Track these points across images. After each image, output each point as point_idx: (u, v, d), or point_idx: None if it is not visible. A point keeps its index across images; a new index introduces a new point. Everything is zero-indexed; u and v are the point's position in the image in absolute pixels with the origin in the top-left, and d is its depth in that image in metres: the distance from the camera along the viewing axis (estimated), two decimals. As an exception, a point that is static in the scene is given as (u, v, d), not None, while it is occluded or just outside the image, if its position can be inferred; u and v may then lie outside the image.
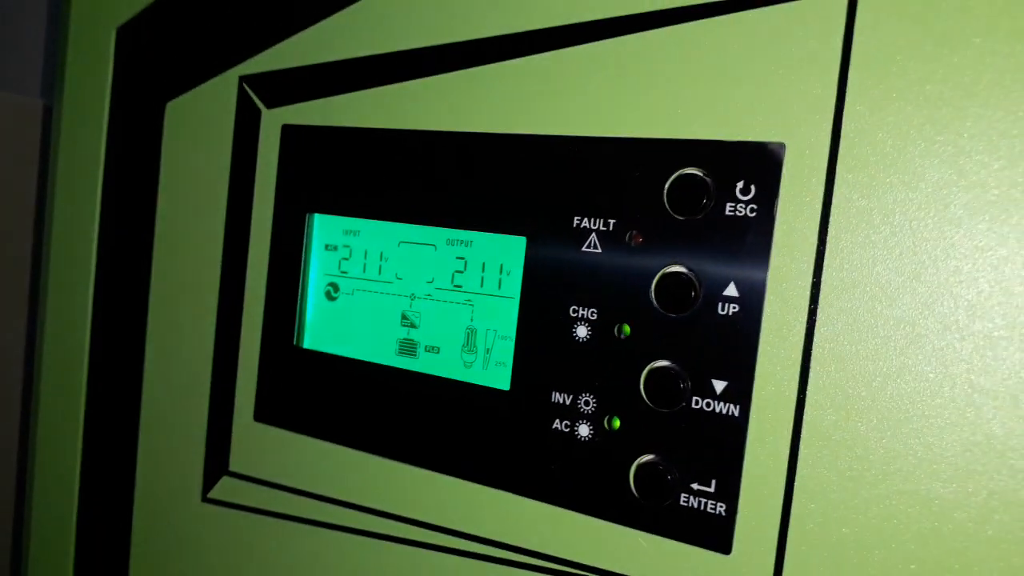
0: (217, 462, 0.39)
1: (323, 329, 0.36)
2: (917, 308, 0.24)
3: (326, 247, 0.36)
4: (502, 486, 0.31)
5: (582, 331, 0.29)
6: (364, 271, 0.35)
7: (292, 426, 0.37)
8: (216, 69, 0.39)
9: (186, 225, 0.40)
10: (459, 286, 0.33)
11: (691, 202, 0.27)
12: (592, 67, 0.29)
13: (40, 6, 0.77)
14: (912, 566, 0.24)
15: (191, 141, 0.40)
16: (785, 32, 0.26)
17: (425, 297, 0.34)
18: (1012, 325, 0.23)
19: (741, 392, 0.26)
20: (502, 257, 0.31)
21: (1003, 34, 0.23)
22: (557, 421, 0.30)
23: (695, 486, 0.27)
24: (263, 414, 0.38)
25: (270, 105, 0.37)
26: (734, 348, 0.27)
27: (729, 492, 0.27)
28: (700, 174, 0.27)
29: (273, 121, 0.37)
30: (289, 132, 0.36)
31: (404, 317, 0.34)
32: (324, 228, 0.36)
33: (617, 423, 0.29)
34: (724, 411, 0.27)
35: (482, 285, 0.32)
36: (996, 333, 0.23)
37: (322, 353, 0.36)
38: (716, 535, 0.27)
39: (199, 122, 0.40)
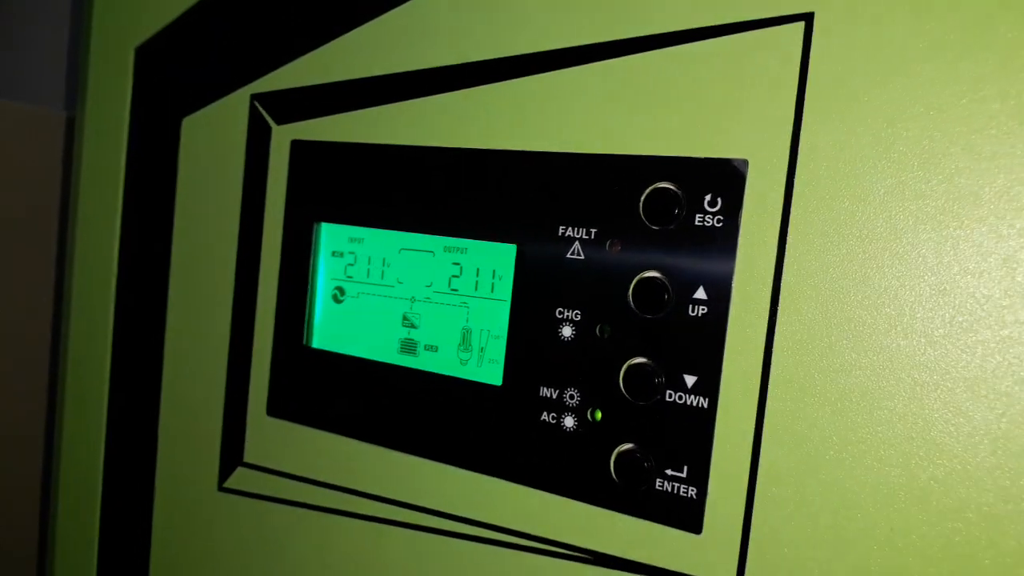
0: (232, 454, 0.42)
1: (330, 330, 0.39)
2: (866, 309, 0.27)
3: (333, 254, 0.39)
4: (495, 473, 0.34)
5: (567, 331, 0.32)
6: (368, 276, 0.38)
7: (302, 420, 0.39)
8: (229, 87, 0.42)
9: (202, 232, 0.43)
10: (455, 290, 0.35)
11: (664, 213, 0.30)
12: (576, 89, 0.32)
13: (63, 23, 0.80)
14: (865, 541, 0.27)
15: (206, 154, 0.43)
16: (748, 59, 0.28)
17: (424, 300, 0.36)
18: (950, 323, 0.26)
19: (710, 386, 0.29)
20: (494, 263, 0.34)
21: (942, 62, 0.26)
22: (545, 413, 0.33)
23: (669, 472, 0.30)
24: (275, 409, 0.40)
25: (280, 122, 0.40)
26: (703, 346, 0.29)
27: (699, 477, 0.29)
28: (672, 188, 0.30)
29: (283, 136, 0.40)
30: (298, 147, 0.39)
31: (405, 318, 0.37)
32: (331, 236, 0.39)
33: (599, 415, 0.31)
34: (695, 403, 0.29)
35: (476, 289, 0.35)
36: (936, 332, 0.26)
37: (329, 352, 0.39)
38: (688, 516, 0.30)
39: (214, 137, 0.42)
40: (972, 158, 0.25)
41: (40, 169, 0.65)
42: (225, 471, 0.42)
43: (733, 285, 0.29)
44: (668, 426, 0.30)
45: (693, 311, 0.29)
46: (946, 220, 0.26)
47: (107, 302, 0.47)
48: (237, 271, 0.41)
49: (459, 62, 0.34)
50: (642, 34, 0.30)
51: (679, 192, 0.30)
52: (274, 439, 0.41)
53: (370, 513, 0.37)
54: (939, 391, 0.26)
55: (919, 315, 0.26)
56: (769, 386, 0.28)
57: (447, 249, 0.35)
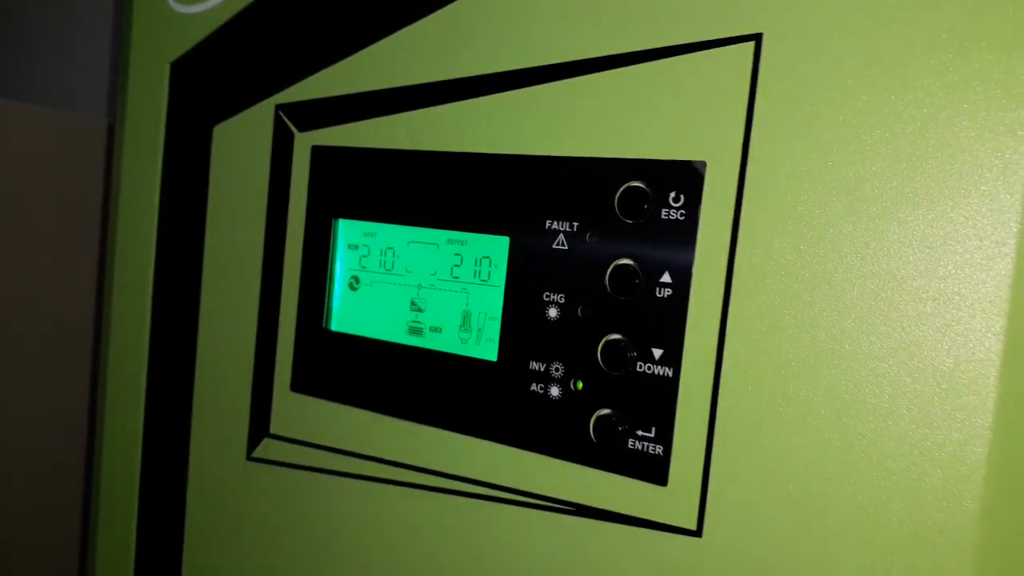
0: (259, 426, 0.47)
1: (347, 314, 0.44)
2: (806, 290, 0.31)
3: (349, 246, 0.44)
4: (491, 438, 0.38)
5: (553, 312, 0.37)
6: (380, 266, 0.43)
7: (322, 395, 0.44)
8: (256, 98, 0.47)
9: (232, 228, 0.48)
10: (456, 277, 0.40)
11: (636, 208, 0.34)
12: (560, 100, 0.36)
13: (105, 35, 0.86)
14: (804, 488, 0.31)
15: (235, 158, 0.48)
16: (706, 74, 0.33)
17: (429, 287, 0.41)
18: (874, 300, 0.30)
19: (674, 357, 0.34)
20: (490, 253, 0.39)
21: (872, 76, 0.30)
22: (534, 384, 0.37)
23: (639, 432, 0.34)
24: (298, 385, 0.45)
25: (302, 129, 0.45)
26: (668, 323, 0.34)
27: (665, 437, 0.34)
28: (642, 186, 0.34)
29: (304, 142, 0.45)
30: (318, 152, 0.44)
31: (413, 303, 0.42)
32: (347, 231, 0.44)
33: (580, 385, 0.36)
34: (661, 373, 0.34)
35: (475, 276, 0.39)
36: (863, 309, 0.30)
37: (346, 334, 0.44)
38: (656, 471, 0.34)
39: (242, 143, 0.47)
40: (896, 158, 0.29)
41: (83, 170, 0.70)
42: (253, 442, 0.47)
43: (693, 270, 0.33)
44: (639, 393, 0.34)
45: (660, 293, 0.34)
46: (873, 212, 0.30)
47: (146, 291, 0.52)
48: (264, 262, 0.46)
49: (457, 77, 0.39)
50: (616, 52, 0.35)
51: (648, 190, 0.34)
52: (297, 412, 0.45)
53: (383, 476, 0.42)
54: (866, 359, 0.30)
55: (849, 295, 0.30)
56: (723, 357, 0.33)
57: (449, 241, 0.40)
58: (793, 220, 0.31)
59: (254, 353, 0.47)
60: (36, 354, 0.70)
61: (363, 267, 0.43)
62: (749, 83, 0.32)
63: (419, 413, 0.41)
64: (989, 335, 0.28)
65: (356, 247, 0.43)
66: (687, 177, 0.33)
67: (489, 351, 0.39)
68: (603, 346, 0.35)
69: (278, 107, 0.46)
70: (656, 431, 0.34)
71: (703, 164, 0.33)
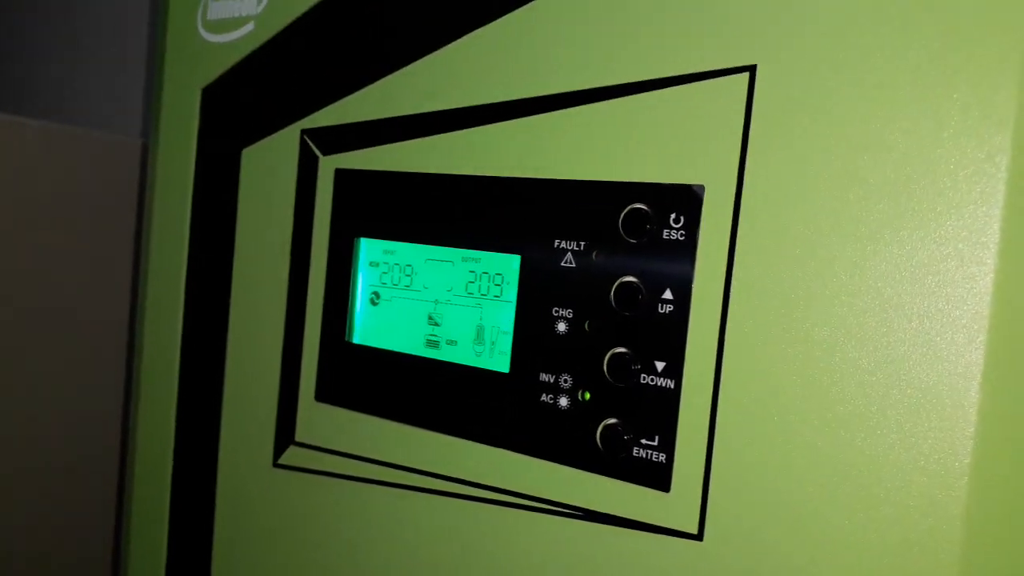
0: (285, 434, 0.49)
1: (368, 328, 0.46)
2: (798, 307, 0.33)
3: (370, 264, 0.46)
4: (504, 446, 0.41)
5: (561, 326, 0.39)
6: (399, 282, 0.45)
7: (345, 404, 0.47)
8: (282, 124, 0.49)
9: (260, 246, 0.51)
10: (471, 293, 0.42)
11: (639, 229, 0.36)
12: (568, 127, 0.39)
13: (140, 60, 0.90)
14: (798, 491, 0.33)
15: (263, 180, 0.51)
16: (705, 103, 0.35)
17: (446, 302, 0.43)
18: (863, 315, 0.32)
19: (675, 370, 0.36)
20: (503, 270, 0.41)
21: (859, 105, 0.32)
22: (544, 395, 0.39)
23: (644, 441, 0.36)
24: (322, 395, 0.48)
25: (326, 153, 0.47)
26: (670, 337, 0.36)
27: (668, 445, 0.36)
28: (645, 208, 0.36)
29: (328, 165, 0.47)
30: (341, 174, 0.47)
31: (430, 318, 0.44)
32: (368, 249, 0.46)
33: (587, 395, 0.38)
34: (664, 385, 0.36)
35: (488, 292, 0.42)
36: (848, 322, 0.32)
37: (367, 347, 0.46)
38: (659, 478, 0.36)
39: (269, 165, 0.50)
40: (882, 182, 0.31)
41: (119, 188, 0.74)
42: (279, 449, 0.50)
43: (693, 287, 0.35)
44: (643, 404, 0.36)
45: (662, 309, 0.36)
46: (861, 233, 0.32)
47: (177, 305, 0.55)
48: (290, 278, 0.49)
49: (472, 105, 0.41)
50: (621, 82, 0.37)
51: (650, 211, 0.36)
52: (321, 421, 0.48)
53: (401, 481, 0.44)
54: (855, 372, 0.32)
55: (839, 311, 0.32)
56: (722, 369, 0.34)
57: (464, 259, 0.42)
58: (786, 240, 0.33)
59: (280, 364, 0.49)
60: (73, 364, 0.74)
61: (383, 283, 0.46)
62: (744, 111, 0.34)
63: (435, 422, 0.43)
64: (971, 349, 0.30)
65: (377, 264, 0.46)
66: (687, 200, 0.35)
67: (502, 363, 0.41)
68: (609, 359, 0.37)
69: (303, 132, 0.48)
70: (659, 439, 0.36)
71: (702, 187, 0.35)
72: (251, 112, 0.51)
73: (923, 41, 0.31)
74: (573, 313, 0.38)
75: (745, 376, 0.34)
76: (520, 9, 0.40)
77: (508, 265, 0.41)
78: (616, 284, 0.37)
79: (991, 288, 0.30)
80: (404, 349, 0.44)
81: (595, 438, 0.38)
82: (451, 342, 0.43)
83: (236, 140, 0.52)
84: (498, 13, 0.41)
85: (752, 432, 0.34)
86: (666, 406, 0.36)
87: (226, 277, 0.52)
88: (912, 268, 0.31)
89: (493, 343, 0.41)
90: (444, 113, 0.43)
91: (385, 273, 0.45)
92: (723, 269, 0.34)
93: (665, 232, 0.36)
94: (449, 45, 0.42)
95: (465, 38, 0.42)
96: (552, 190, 0.39)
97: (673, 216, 0.36)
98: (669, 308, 0.36)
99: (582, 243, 0.38)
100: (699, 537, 0.35)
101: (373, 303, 0.46)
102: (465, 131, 0.42)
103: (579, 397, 0.38)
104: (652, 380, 0.36)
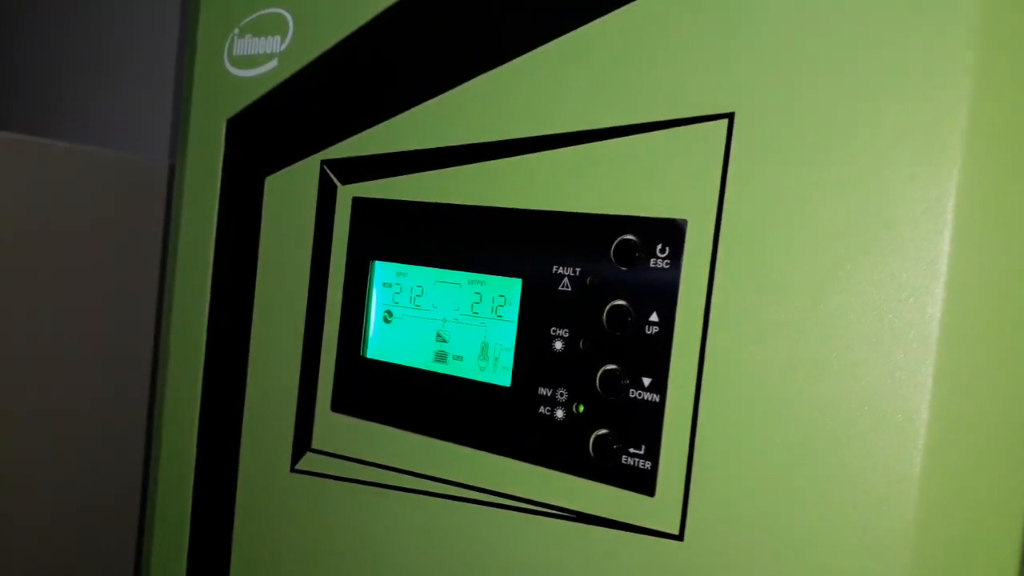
0: (303, 442, 0.53)
1: (381, 343, 0.50)
2: (770, 328, 0.37)
3: (384, 284, 0.50)
4: (505, 453, 0.44)
5: (558, 344, 0.43)
6: (410, 302, 0.49)
7: (359, 414, 0.50)
8: (303, 154, 0.54)
9: (281, 269, 0.55)
10: (476, 313, 0.46)
11: (628, 257, 0.40)
12: (567, 164, 0.43)
13: (165, 84, 0.95)
14: (772, 494, 0.36)
15: (284, 207, 0.54)
16: (688, 145, 0.39)
17: (453, 321, 0.47)
18: (830, 324, 0.35)
19: (661, 385, 0.39)
20: (505, 292, 0.45)
21: (828, 148, 0.36)
22: (542, 407, 0.43)
23: (631, 450, 0.40)
24: (338, 405, 0.51)
25: (344, 182, 0.51)
26: (656, 355, 0.39)
27: (653, 453, 0.39)
28: (634, 239, 0.40)
29: (346, 194, 0.51)
30: (358, 203, 0.51)
31: (438, 335, 0.48)
32: (382, 271, 0.50)
33: (581, 408, 0.42)
34: (650, 399, 0.40)
35: (492, 312, 0.45)
36: (814, 334, 0.36)
37: (381, 361, 0.50)
38: (645, 483, 0.40)
39: (290, 193, 0.54)
40: (846, 218, 0.35)
41: (146, 209, 0.78)
42: (297, 456, 0.53)
43: (677, 310, 0.39)
44: (631, 416, 0.40)
45: (649, 330, 0.40)
46: (826, 262, 0.36)
47: (202, 320, 0.58)
48: (309, 298, 0.53)
49: (478, 141, 0.45)
50: (613, 125, 0.41)
51: (638, 242, 0.40)
52: (336, 430, 0.52)
53: (410, 486, 0.48)
54: (821, 386, 0.35)
55: (806, 334, 0.36)
56: (702, 385, 0.38)
57: (470, 282, 0.46)
58: (760, 269, 0.37)
59: (299, 377, 0.53)
60: (100, 379, 0.77)
61: (396, 303, 0.49)
62: (723, 153, 0.38)
63: (443, 431, 0.47)
64: (922, 367, 0.34)
65: (390, 285, 0.50)
66: (672, 232, 0.39)
67: (503, 378, 0.45)
68: (601, 375, 0.41)
69: (323, 162, 0.52)
70: (646, 448, 0.40)
71: (684, 221, 0.39)
72: (274, 143, 0.55)
73: (875, 97, 0.35)
74: (569, 333, 0.42)
75: (723, 391, 0.38)
76: (521, 57, 0.44)
77: (510, 288, 0.45)
78: (608, 307, 0.41)
79: (939, 315, 0.34)
80: (414, 364, 0.48)
81: (588, 447, 0.41)
82: (457, 357, 0.47)
83: (259, 169, 0.56)
84: (504, 59, 0.45)
85: (729, 442, 0.37)
86: (652, 418, 0.39)
87: (248, 295, 0.56)
88: (870, 297, 0.35)
89: (496, 359, 0.45)
90: (453, 148, 0.47)
91: (398, 293, 0.49)
92: (703, 294, 0.38)
93: (652, 260, 0.40)
94: (458, 87, 0.46)
95: (473, 81, 0.46)
96: (551, 221, 0.43)
97: (659, 246, 0.39)
98: (655, 329, 0.39)
99: (577, 269, 0.42)
100: (680, 537, 0.39)
101: (386, 321, 0.50)
102: (472, 165, 0.46)
103: (574, 409, 0.42)
104: (639, 394, 0.40)
